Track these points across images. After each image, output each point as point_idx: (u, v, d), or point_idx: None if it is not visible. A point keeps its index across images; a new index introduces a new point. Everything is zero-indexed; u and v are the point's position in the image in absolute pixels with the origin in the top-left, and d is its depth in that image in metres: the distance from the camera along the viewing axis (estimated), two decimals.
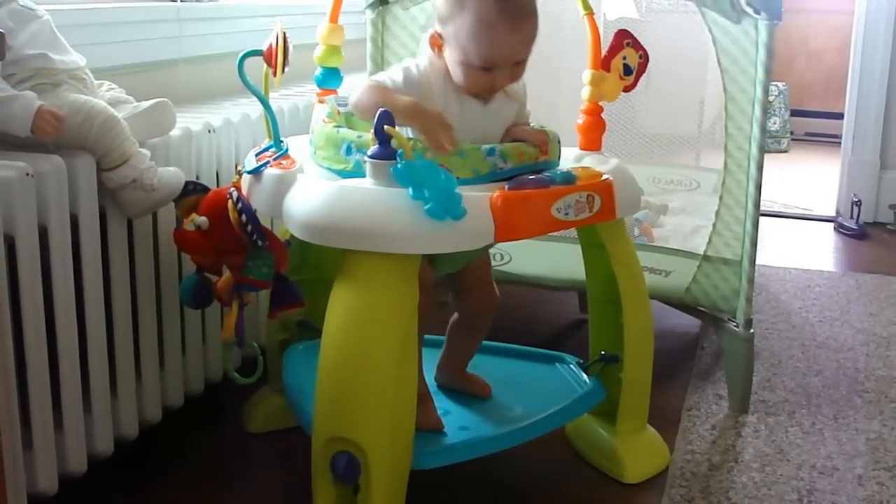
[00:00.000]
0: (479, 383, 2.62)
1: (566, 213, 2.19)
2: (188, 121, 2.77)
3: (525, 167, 2.26)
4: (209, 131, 2.79)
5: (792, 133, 8.25)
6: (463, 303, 2.62)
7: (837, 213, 5.83)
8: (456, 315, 2.66)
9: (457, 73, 2.33)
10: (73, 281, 2.29)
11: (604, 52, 2.58)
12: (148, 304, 2.60)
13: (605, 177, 2.32)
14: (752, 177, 2.93)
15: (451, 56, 2.34)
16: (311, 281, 2.64)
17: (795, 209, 6.05)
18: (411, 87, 2.31)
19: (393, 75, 2.34)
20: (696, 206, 3.97)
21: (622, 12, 4.72)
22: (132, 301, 2.54)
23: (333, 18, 2.68)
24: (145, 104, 2.53)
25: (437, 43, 2.37)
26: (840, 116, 6.04)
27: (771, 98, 7.71)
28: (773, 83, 7.97)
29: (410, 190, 2.02)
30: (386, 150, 2.07)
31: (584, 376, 2.70)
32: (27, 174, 2.11)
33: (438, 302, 2.53)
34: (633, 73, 2.59)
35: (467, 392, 2.61)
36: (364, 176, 2.14)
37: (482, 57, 2.28)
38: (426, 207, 2.00)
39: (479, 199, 2.11)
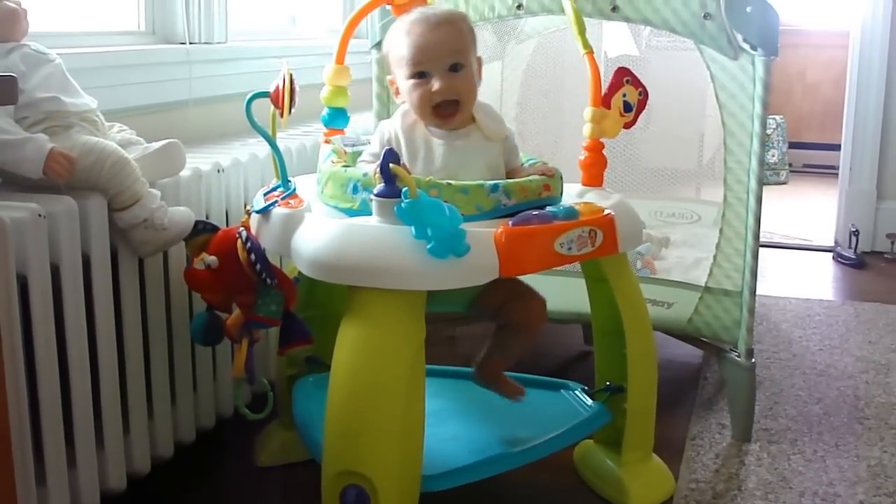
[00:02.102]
0: (513, 388, 2.57)
1: (569, 248, 2.18)
2: (198, 161, 2.77)
3: (528, 203, 2.25)
4: (218, 171, 2.79)
5: (790, 165, 8.25)
6: (504, 313, 2.55)
7: (836, 242, 5.82)
8: (501, 323, 2.60)
9: (408, 99, 2.41)
10: (86, 319, 2.28)
11: (604, 89, 2.57)
12: (159, 342, 2.59)
13: (606, 212, 2.31)
14: (752, 209, 2.93)
15: (400, 86, 2.43)
16: (319, 317, 2.63)
17: (795, 240, 6.04)
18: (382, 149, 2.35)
19: (372, 149, 2.44)
20: (697, 239, 3.96)
21: (623, 50, 4.72)
22: (144, 338, 2.53)
23: (339, 60, 2.68)
24: (155, 145, 2.53)
25: (393, 85, 2.49)
26: (837, 148, 6.03)
27: (769, 131, 7.75)
28: (771, 116, 7.98)
29: (413, 229, 2.01)
30: (391, 188, 2.06)
31: (589, 400, 2.68)
32: (39, 215, 2.11)
33: (447, 336, 2.51)
34: (633, 110, 2.58)
35: (502, 394, 2.56)
36: (370, 214, 2.13)
37: (410, 60, 2.37)
38: (428, 247, 2.00)
39: (482, 234, 2.10)
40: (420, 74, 2.37)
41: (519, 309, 2.54)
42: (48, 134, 2.28)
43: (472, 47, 2.44)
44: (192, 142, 3.07)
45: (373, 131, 3.15)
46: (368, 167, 2.30)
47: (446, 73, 2.36)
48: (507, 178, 2.39)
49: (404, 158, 2.34)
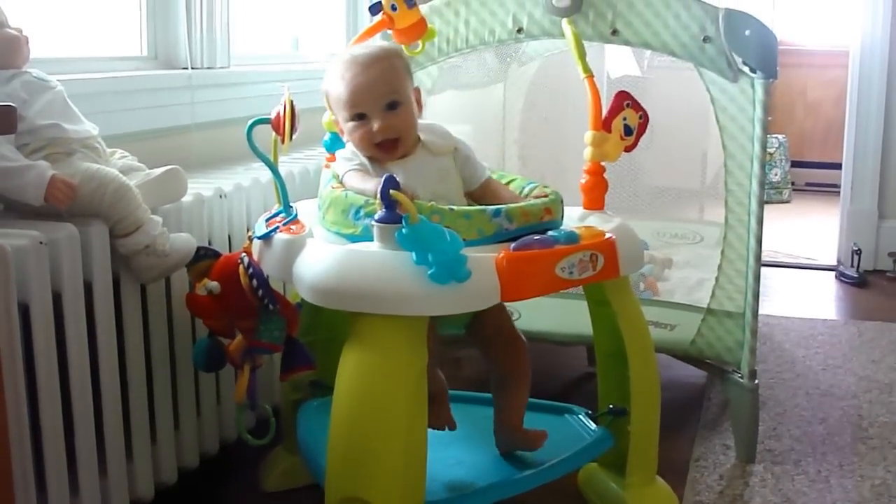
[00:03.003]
0: (538, 436, 2.53)
1: (570, 273, 2.17)
2: (200, 186, 2.77)
3: (530, 227, 2.24)
4: (220, 196, 2.78)
5: (793, 183, 8.25)
6: (491, 358, 2.56)
7: (838, 261, 5.82)
8: (492, 374, 2.59)
9: (349, 139, 2.44)
10: (88, 346, 2.27)
11: (605, 112, 2.56)
12: (162, 368, 2.58)
13: (607, 235, 2.30)
14: (753, 231, 2.92)
15: (343, 127, 2.47)
16: (323, 341, 2.62)
17: (798, 258, 6.04)
18: (358, 162, 2.40)
19: (348, 163, 2.41)
20: (700, 260, 3.95)
21: (625, 70, 4.72)
22: (146, 364, 2.52)
23: None
24: (157, 171, 2.53)
25: (337, 125, 2.53)
26: (839, 166, 6.03)
27: (772, 150, 7.77)
28: (774, 135, 7.99)
29: (414, 255, 2.00)
30: (392, 214, 2.05)
31: (593, 425, 2.67)
32: (41, 242, 2.10)
33: (452, 358, 2.50)
34: (633, 134, 2.57)
35: (529, 448, 2.52)
36: (372, 240, 2.12)
37: (348, 104, 2.40)
38: (429, 273, 1.99)
39: (484, 259, 2.09)
40: (359, 116, 2.39)
41: (499, 352, 2.54)
42: (49, 161, 2.27)
43: (407, 82, 2.45)
44: (195, 167, 3.06)
45: None
46: (356, 178, 2.34)
47: (384, 113, 2.38)
48: (477, 193, 2.47)
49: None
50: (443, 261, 1.99)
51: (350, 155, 2.42)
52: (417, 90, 2.49)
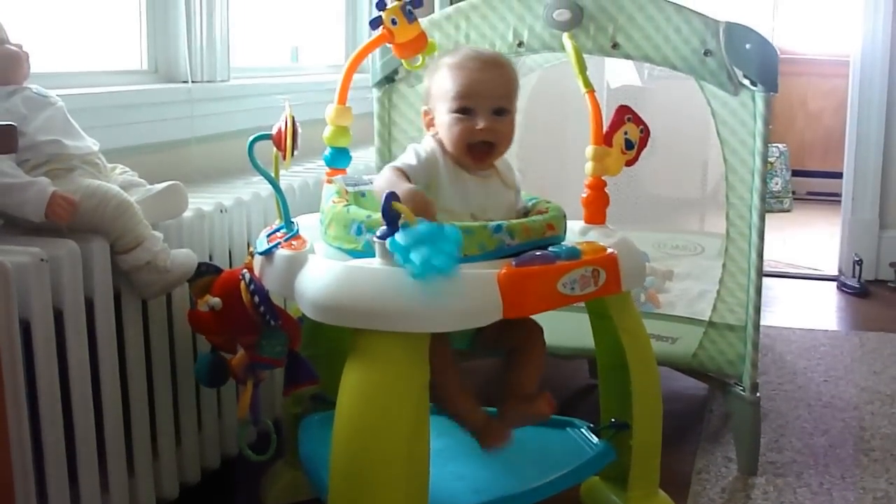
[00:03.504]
0: (546, 400, 2.45)
1: (572, 289, 2.17)
2: (200, 201, 2.77)
3: (532, 243, 2.24)
4: (221, 211, 2.79)
5: (794, 193, 8.26)
6: (504, 339, 2.46)
7: (840, 271, 5.82)
8: (506, 351, 2.51)
9: (446, 133, 2.38)
10: (89, 362, 2.28)
11: (606, 126, 2.57)
12: (164, 384, 2.58)
13: (609, 251, 2.30)
14: (755, 244, 2.93)
15: (439, 119, 2.41)
16: (325, 354, 2.61)
17: (799, 268, 6.04)
18: (421, 165, 2.34)
19: (407, 159, 2.36)
20: (701, 271, 3.95)
21: (625, 80, 4.72)
22: (148, 380, 2.52)
23: (342, 100, 2.67)
24: (158, 187, 2.53)
25: (427, 116, 2.46)
26: (840, 175, 6.03)
27: (772, 159, 7.77)
28: (774, 144, 7.99)
29: (399, 258, 2.00)
30: (393, 230, 2.05)
31: (595, 439, 2.67)
32: (41, 259, 2.10)
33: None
34: (634, 148, 2.58)
35: (540, 418, 2.46)
36: (374, 255, 2.12)
37: (457, 94, 2.36)
38: (412, 272, 1.99)
39: (486, 276, 2.09)
40: (464, 110, 2.36)
41: (517, 331, 2.45)
42: (50, 177, 2.28)
43: (516, 95, 2.44)
44: (195, 181, 3.07)
45: (374, 168, 3.16)
46: (393, 172, 2.29)
47: (490, 115, 2.36)
48: None
49: (442, 181, 2.35)
50: (423, 253, 1.96)
51: (422, 157, 2.37)
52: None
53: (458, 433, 2.64)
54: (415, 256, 1.97)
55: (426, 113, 2.48)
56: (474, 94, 2.36)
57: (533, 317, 2.40)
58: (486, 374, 2.67)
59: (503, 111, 2.38)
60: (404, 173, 2.29)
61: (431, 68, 2.50)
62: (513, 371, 2.49)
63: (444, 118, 2.38)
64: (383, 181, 2.28)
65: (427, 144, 2.43)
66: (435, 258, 1.98)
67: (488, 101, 2.36)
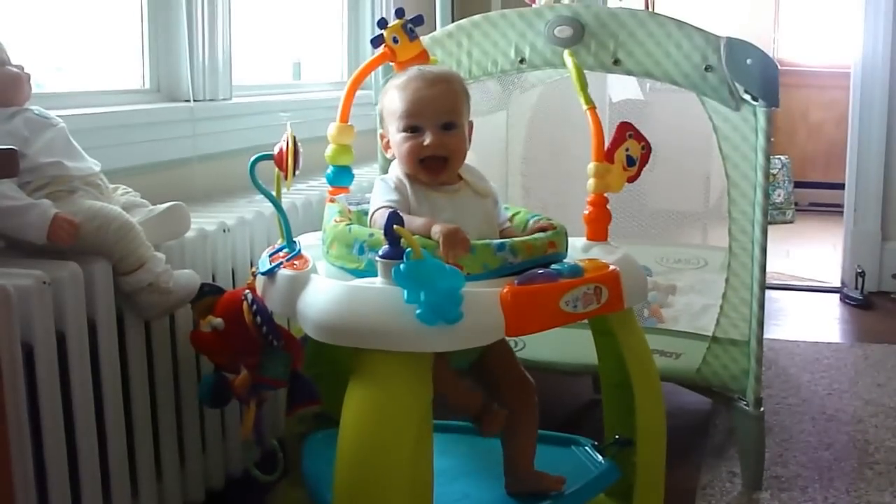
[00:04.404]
0: (550, 479, 2.51)
1: (575, 306, 2.16)
2: (203, 220, 2.77)
3: (534, 261, 2.23)
4: (224, 231, 2.78)
5: (796, 204, 8.22)
6: (499, 396, 2.51)
7: (842, 283, 5.81)
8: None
9: (398, 152, 2.40)
10: (92, 384, 2.27)
11: (607, 142, 2.56)
12: (167, 404, 2.58)
13: (611, 268, 2.29)
14: (757, 259, 2.92)
15: (391, 139, 2.43)
16: (328, 374, 2.60)
17: (802, 280, 6.03)
18: (398, 196, 2.35)
19: (386, 196, 2.36)
20: (704, 285, 3.94)
21: (627, 94, 4.71)
22: (152, 401, 2.51)
23: (344, 118, 2.66)
24: (160, 208, 2.52)
25: (383, 139, 2.49)
26: (842, 186, 6.03)
27: (774, 171, 7.73)
28: (777, 156, 7.95)
29: (405, 293, 1.99)
30: (394, 250, 2.04)
31: (599, 457, 2.65)
32: (44, 282, 2.10)
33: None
34: (636, 164, 2.57)
35: (540, 491, 2.48)
36: (377, 275, 2.11)
37: (404, 113, 2.37)
38: (417, 313, 1.97)
39: (488, 294, 2.08)
40: (412, 129, 2.36)
41: (507, 392, 2.49)
42: (52, 199, 2.27)
43: (465, 109, 2.44)
44: (197, 200, 3.07)
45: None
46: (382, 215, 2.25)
47: (438, 131, 2.35)
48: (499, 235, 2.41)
49: (411, 202, 2.34)
50: (432, 300, 1.97)
51: (390, 186, 2.38)
52: (471, 124, 2.48)
53: (462, 451, 2.64)
54: (424, 300, 1.98)
55: (382, 136, 2.50)
56: (420, 111, 2.37)
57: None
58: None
59: (451, 125, 2.38)
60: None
61: (382, 91, 2.51)
62: (512, 445, 2.51)
63: (395, 138, 2.40)
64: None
65: (391, 172, 2.45)
66: (446, 311, 1.99)
67: (434, 117, 2.36)
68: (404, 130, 2.37)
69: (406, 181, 2.38)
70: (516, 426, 2.49)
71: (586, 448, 2.71)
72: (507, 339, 2.44)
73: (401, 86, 2.40)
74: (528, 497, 2.47)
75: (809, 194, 8.60)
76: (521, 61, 3.04)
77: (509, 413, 2.49)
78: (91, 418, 2.27)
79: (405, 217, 2.21)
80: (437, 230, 2.14)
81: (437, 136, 2.35)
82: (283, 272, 2.27)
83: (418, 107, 2.36)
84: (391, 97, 2.41)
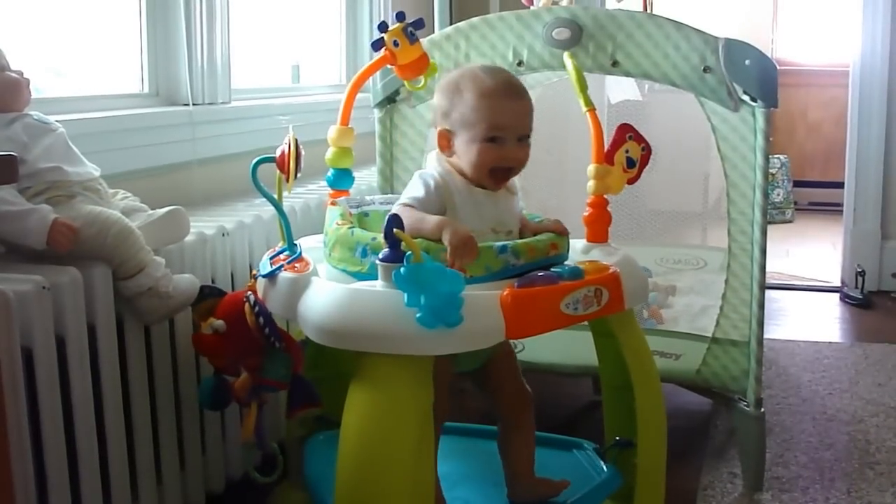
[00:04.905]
0: (553, 485, 2.52)
1: (575, 308, 2.16)
2: (202, 224, 2.77)
3: (536, 262, 2.23)
4: (223, 235, 2.78)
5: (796, 203, 8.25)
6: (496, 404, 2.54)
7: (842, 282, 5.81)
8: (498, 423, 2.57)
9: (469, 157, 2.35)
10: (92, 389, 2.27)
11: (607, 144, 2.56)
12: (167, 408, 2.58)
13: (612, 269, 2.29)
14: (756, 260, 2.92)
15: (461, 143, 2.37)
16: (328, 376, 2.60)
17: (802, 280, 6.03)
18: (432, 194, 2.33)
19: (414, 192, 2.34)
20: (704, 286, 3.95)
21: (625, 95, 4.72)
22: (152, 405, 2.52)
23: (344, 121, 2.66)
24: (159, 212, 2.52)
25: (444, 138, 2.41)
26: (841, 185, 6.02)
27: (773, 171, 7.76)
28: (776, 155, 7.99)
29: (406, 296, 1.99)
30: (395, 253, 2.04)
31: (602, 463, 2.65)
32: (43, 287, 2.10)
33: (457, 389, 2.49)
34: (636, 166, 2.57)
35: (545, 497, 2.49)
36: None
37: (489, 124, 2.32)
38: (417, 316, 1.97)
39: (489, 297, 2.07)
40: (492, 139, 2.33)
41: (505, 399, 2.51)
42: (51, 204, 2.27)
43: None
44: (197, 203, 3.07)
45: (377, 188, 3.16)
46: (409, 211, 2.28)
47: (516, 143, 2.36)
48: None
49: (457, 202, 2.33)
50: (432, 304, 1.97)
51: (430, 183, 2.35)
52: None
53: (463, 455, 2.64)
54: (424, 304, 1.98)
55: (443, 135, 2.42)
56: (506, 124, 2.34)
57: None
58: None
59: (526, 138, 2.39)
60: (416, 212, 2.29)
61: (449, 89, 2.43)
62: (511, 453, 2.52)
63: (472, 146, 2.35)
64: (413, 219, 2.26)
65: (436, 168, 2.41)
66: (447, 315, 1.99)
67: (518, 130, 2.36)
68: (486, 139, 2.34)
69: (452, 178, 2.37)
70: (512, 437, 2.51)
71: (588, 452, 2.71)
72: (510, 344, 2.46)
73: (485, 93, 2.35)
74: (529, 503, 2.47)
75: (808, 193, 8.61)
76: (520, 64, 3.04)
77: (506, 423, 2.51)
78: (91, 422, 2.27)
79: (419, 215, 2.24)
80: (447, 236, 2.14)
81: (517, 148, 2.36)
82: (284, 275, 2.27)
83: (504, 118, 2.34)
84: (470, 102, 2.36)
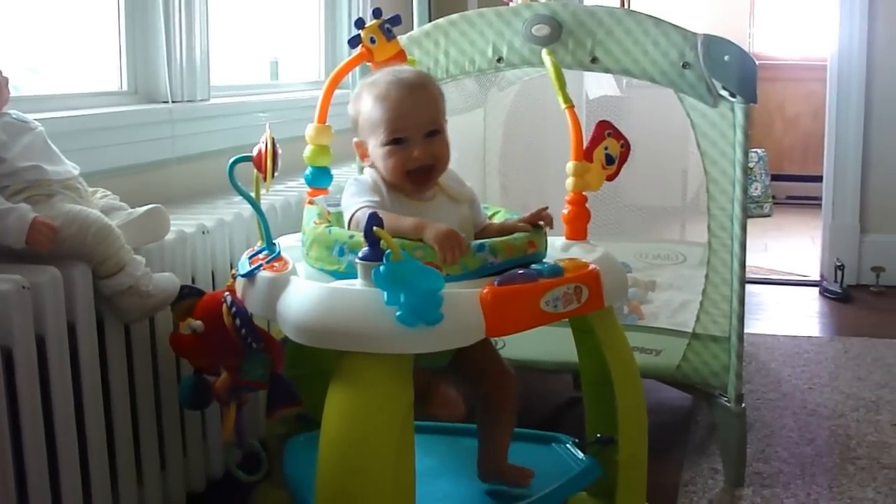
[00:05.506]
0: (522, 472, 2.50)
1: (555, 306, 2.16)
2: (182, 222, 2.77)
3: (514, 260, 2.23)
4: (203, 233, 2.78)
5: (774, 197, 8.23)
6: (480, 392, 2.51)
7: (822, 276, 5.82)
8: (478, 407, 2.55)
9: (381, 164, 2.34)
10: (72, 388, 2.26)
11: (586, 141, 2.56)
12: (147, 407, 2.57)
13: (591, 267, 2.29)
14: (736, 255, 2.93)
15: (372, 151, 2.37)
16: (308, 375, 2.60)
17: (781, 274, 6.05)
18: (376, 196, 2.31)
19: (363, 196, 2.32)
20: (683, 280, 3.95)
21: (604, 91, 4.72)
22: (132, 404, 2.51)
23: (321, 119, 2.66)
24: (139, 211, 2.52)
25: (360, 148, 2.42)
26: (820, 179, 6.03)
27: (751, 164, 7.73)
28: (753, 149, 7.97)
29: (385, 294, 1.99)
30: (374, 251, 2.04)
31: (580, 454, 2.65)
32: (23, 286, 2.09)
33: (433, 385, 2.49)
34: (615, 162, 2.57)
35: (511, 484, 2.48)
36: (357, 277, 2.11)
37: (389, 126, 2.30)
38: (397, 315, 1.97)
39: (468, 295, 2.07)
40: (396, 141, 2.31)
41: (487, 383, 2.49)
42: (30, 203, 2.27)
43: (444, 111, 2.40)
44: (176, 201, 3.07)
45: None
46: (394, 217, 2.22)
47: (423, 140, 2.31)
48: (478, 236, 2.39)
49: (386, 209, 2.27)
50: (412, 302, 1.97)
51: (366, 187, 2.34)
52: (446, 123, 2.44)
53: (443, 451, 2.64)
54: (404, 302, 1.97)
55: (358, 145, 2.43)
56: (404, 123, 2.31)
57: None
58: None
59: (435, 132, 2.34)
60: (385, 213, 2.22)
61: (354, 97, 2.43)
62: (488, 438, 2.50)
63: (378, 151, 2.33)
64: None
65: (366, 177, 2.40)
66: (427, 313, 1.98)
67: (420, 126, 2.32)
68: (389, 143, 2.31)
69: (383, 186, 2.35)
70: (494, 417, 2.49)
71: (567, 445, 2.71)
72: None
73: (380, 95, 2.33)
74: (508, 498, 2.47)
75: (786, 187, 8.62)
76: (499, 60, 3.04)
77: (488, 404, 2.49)
78: (71, 422, 2.26)
79: (394, 216, 2.21)
80: (430, 235, 2.13)
81: (424, 146, 2.31)
82: (263, 274, 2.26)
83: (402, 118, 2.30)
84: (368, 106, 2.35)
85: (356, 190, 2.35)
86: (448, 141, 2.38)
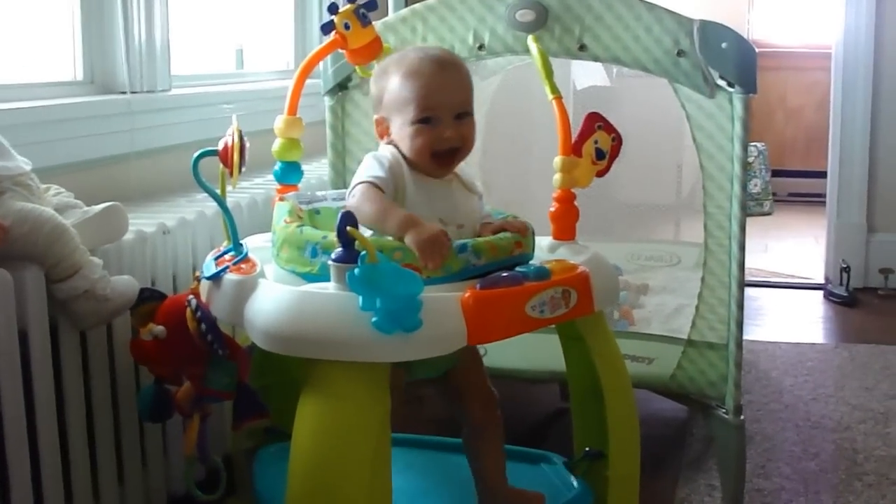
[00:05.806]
0: (528, 496, 2.51)
1: (542, 311, 2.15)
2: (141, 221, 2.77)
3: (499, 262, 2.23)
4: (164, 233, 2.78)
5: (774, 194, 8.26)
6: (461, 412, 2.53)
7: (826, 279, 5.83)
8: (464, 430, 2.55)
9: (407, 143, 2.34)
10: (24, 399, 2.26)
11: (575, 135, 2.56)
12: (104, 419, 2.57)
13: (580, 269, 2.29)
14: (735, 256, 2.92)
15: (396, 129, 2.37)
16: (276, 385, 2.61)
17: (783, 276, 6.05)
18: (388, 175, 2.31)
19: (373, 170, 2.32)
20: (677, 283, 3.95)
21: (592, 81, 4.72)
22: (88, 416, 2.51)
23: (292, 111, 2.66)
24: (95, 209, 2.51)
25: (381, 125, 2.43)
26: (823, 175, 6.04)
27: (750, 159, 7.78)
28: (753, 143, 8.00)
29: (360, 299, 1.99)
30: (349, 252, 2.04)
31: (572, 478, 2.64)
32: None
33: (415, 396, 2.49)
34: (606, 157, 2.57)
35: None
36: (330, 279, 2.11)
37: (418, 104, 2.31)
38: (372, 321, 1.97)
39: (449, 299, 2.07)
40: (426, 120, 2.32)
41: (470, 406, 2.50)
42: None
43: (473, 94, 2.42)
44: (135, 199, 3.06)
45: (328, 183, 3.14)
46: (375, 193, 2.26)
47: (454, 121, 2.33)
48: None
49: (407, 188, 2.32)
50: (389, 308, 1.97)
51: (384, 163, 2.33)
52: None
53: (424, 468, 2.64)
54: (380, 307, 1.97)
55: (379, 122, 2.43)
56: (436, 102, 2.32)
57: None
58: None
59: (465, 114, 2.36)
60: (380, 189, 2.27)
61: (379, 74, 2.45)
62: (481, 461, 2.50)
63: (405, 130, 2.34)
64: (366, 203, 2.25)
65: (386, 152, 2.39)
66: (404, 319, 1.98)
67: (451, 107, 2.33)
68: (418, 122, 2.33)
69: (403, 164, 2.36)
70: (482, 443, 2.50)
71: (557, 467, 2.69)
72: (476, 347, 2.46)
73: (410, 71, 2.34)
74: None
75: (788, 184, 8.65)
76: (481, 48, 3.04)
77: (474, 431, 2.50)
78: (23, 434, 2.26)
79: (387, 207, 2.22)
80: (411, 239, 2.13)
81: (454, 126, 2.33)
82: (229, 277, 2.26)
83: (434, 96, 2.32)
84: (396, 83, 2.36)
85: (370, 164, 2.35)
86: (475, 123, 2.40)
